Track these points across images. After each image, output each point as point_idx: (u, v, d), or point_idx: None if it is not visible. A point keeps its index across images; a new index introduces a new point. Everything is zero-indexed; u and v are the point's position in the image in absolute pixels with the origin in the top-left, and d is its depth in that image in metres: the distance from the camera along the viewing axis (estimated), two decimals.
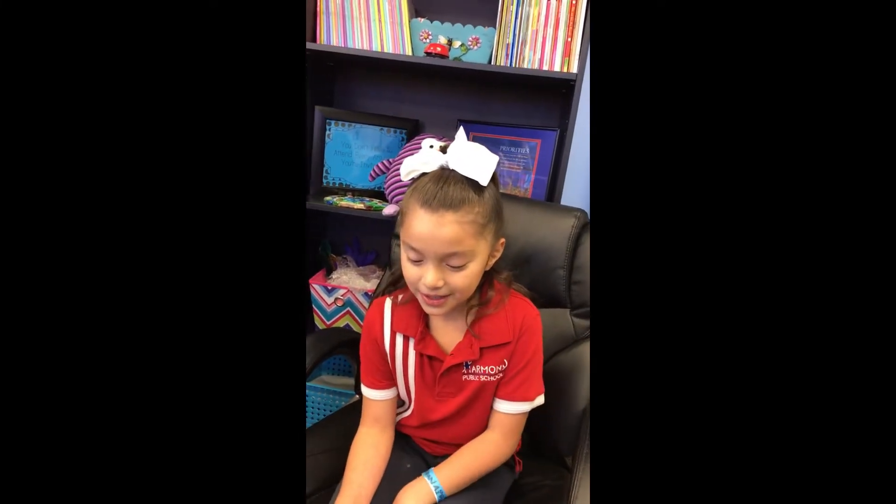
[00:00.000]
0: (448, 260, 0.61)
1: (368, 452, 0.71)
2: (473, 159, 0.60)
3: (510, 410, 0.70)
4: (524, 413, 0.71)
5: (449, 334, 0.71)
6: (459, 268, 0.61)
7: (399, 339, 0.72)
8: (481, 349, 0.69)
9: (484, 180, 0.60)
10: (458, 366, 0.69)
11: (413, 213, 0.60)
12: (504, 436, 0.71)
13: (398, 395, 0.76)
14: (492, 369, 0.69)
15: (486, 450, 0.70)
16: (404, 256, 0.64)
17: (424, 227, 0.59)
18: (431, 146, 0.63)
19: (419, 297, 0.66)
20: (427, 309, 0.67)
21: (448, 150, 0.61)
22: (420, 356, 0.71)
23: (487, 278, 0.68)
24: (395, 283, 0.76)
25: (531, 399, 0.70)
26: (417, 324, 0.70)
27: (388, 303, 0.74)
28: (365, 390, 0.74)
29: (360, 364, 0.75)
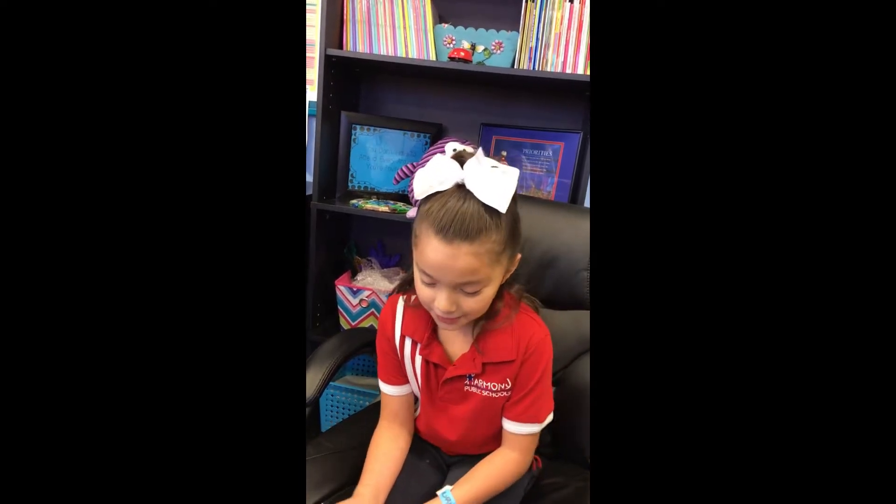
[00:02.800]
0: (462, 287, 0.59)
1: (388, 445, 0.72)
2: (492, 183, 0.55)
3: (521, 431, 0.70)
4: (536, 433, 0.71)
5: (456, 343, 0.71)
6: (473, 293, 0.60)
7: (408, 341, 0.72)
8: (484, 364, 0.68)
9: (503, 207, 0.56)
10: (461, 376, 0.69)
11: (426, 240, 0.57)
12: (520, 452, 0.71)
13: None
14: (494, 386, 0.69)
15: (504, 467, 0.70)
16: (417, 278, 0.62)
17: (438, 256, 0.56)
18: (455, 150, 0.63)
19: (432, 314, 0.66)
20: (440, 324, 0.67)
21: (465, 166, 0.57)
22: (425, 362, 0.71)
23: (498, 290, 0.66)
24: (410, 282, 0.77)
25: (541, 420, 0.70)
26: (425, 329, 0.70)
27: (400, 302, 0.74)
28: (382, 385, 0.75)
29: (377, 360, 0.76)
